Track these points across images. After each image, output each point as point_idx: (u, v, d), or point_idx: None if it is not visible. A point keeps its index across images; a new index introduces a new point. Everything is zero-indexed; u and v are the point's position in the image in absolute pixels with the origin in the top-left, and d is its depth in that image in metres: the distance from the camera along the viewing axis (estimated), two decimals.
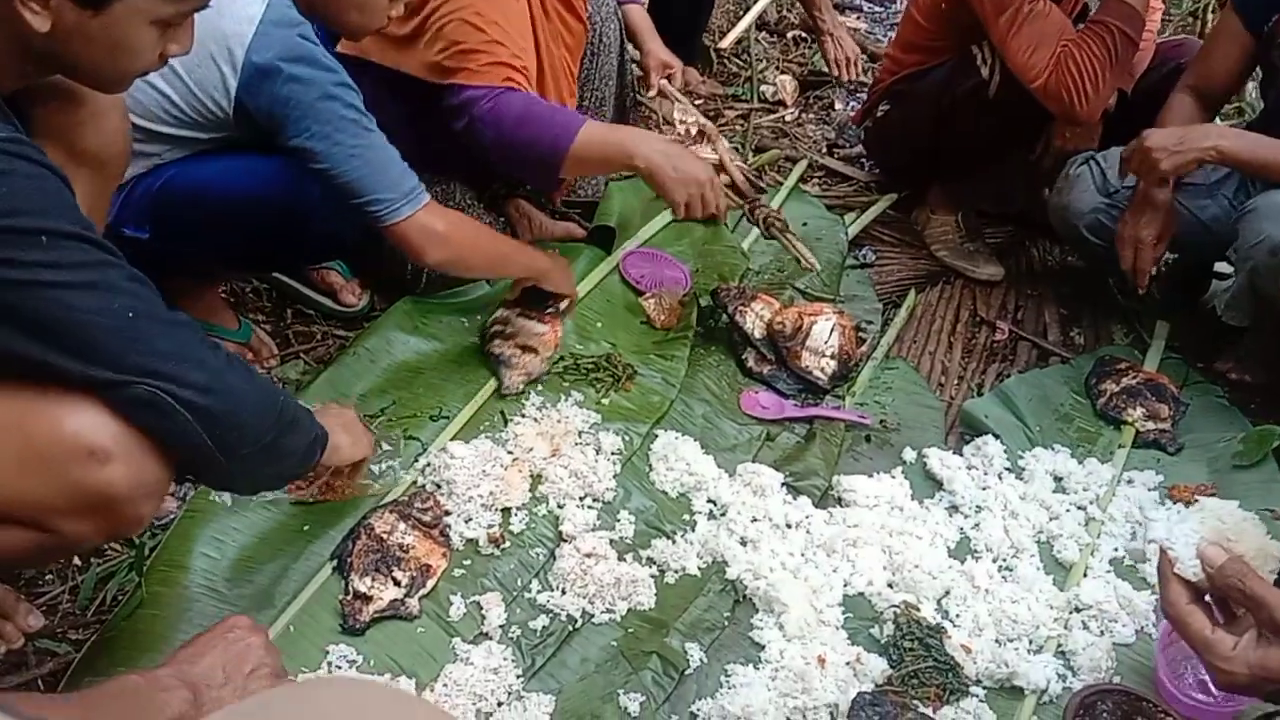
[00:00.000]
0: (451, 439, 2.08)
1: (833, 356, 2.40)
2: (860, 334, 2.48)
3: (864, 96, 3.69)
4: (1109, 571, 2.05)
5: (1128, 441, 2.36)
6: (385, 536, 1.85)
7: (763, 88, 3.75)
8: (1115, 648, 1.89)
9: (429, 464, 2.02)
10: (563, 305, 2.28)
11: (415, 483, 2.00)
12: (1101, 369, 2.52)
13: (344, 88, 1.81)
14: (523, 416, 2.17)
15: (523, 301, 2.27)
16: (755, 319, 2.42)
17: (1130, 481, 2.26)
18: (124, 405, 1.29)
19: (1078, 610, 1.97)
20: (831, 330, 2.41)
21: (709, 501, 2.10)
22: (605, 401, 2.25)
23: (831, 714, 1.74)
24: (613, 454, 2.13)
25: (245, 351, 2.22)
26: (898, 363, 2.53)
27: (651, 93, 2.71)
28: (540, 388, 2.24)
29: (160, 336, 1.30)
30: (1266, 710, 1.48)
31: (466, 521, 1.94)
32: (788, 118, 3.67)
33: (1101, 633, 1.93)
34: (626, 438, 2.16)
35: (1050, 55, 2.48)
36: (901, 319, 2.63)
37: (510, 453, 2.09)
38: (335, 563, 1.83)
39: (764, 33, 4.12)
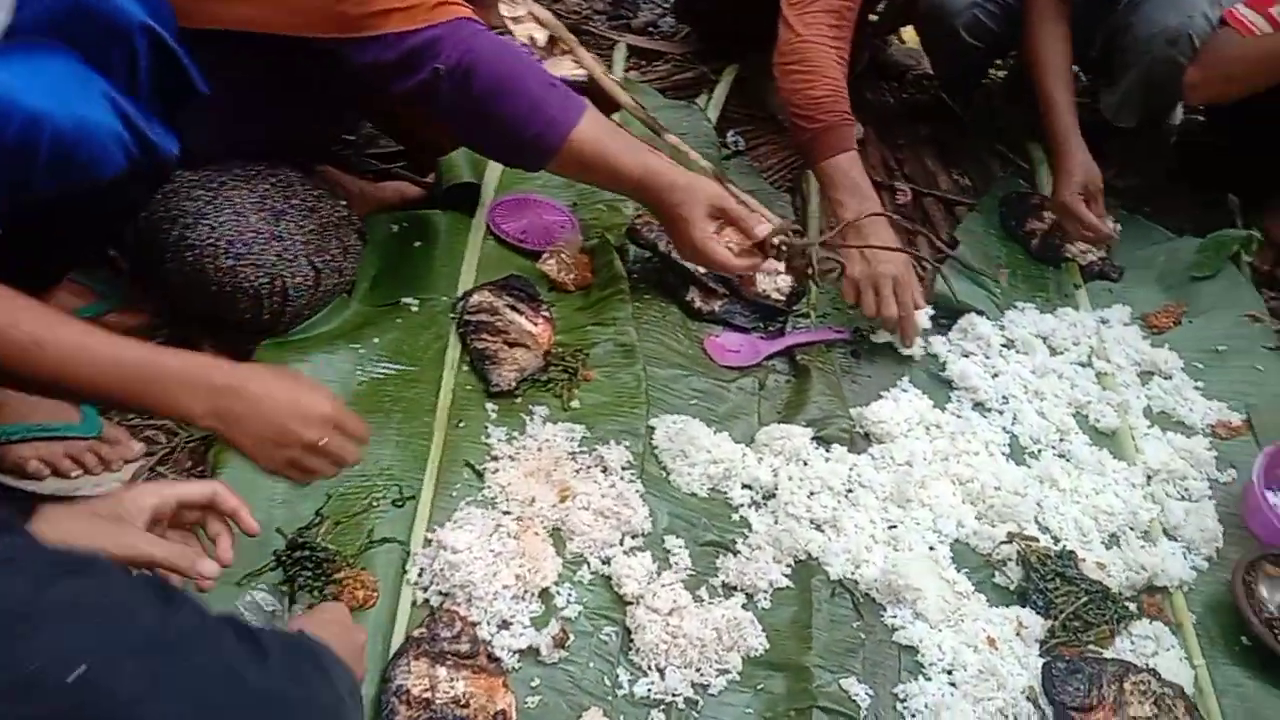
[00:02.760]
0: (428, 525, 1.52)
1: (785, 271, 2.04)
2: (798, 235, 2.13)
3: None
4: (1151, 426, 1.93)
5: (1077, 278, 2.24)
6: (429, 696, 1.31)
7: None
8: (1209, 505, 1.78)
9: (423, 571, 1.46)
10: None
11: (421, 602, 1.44)
12: (1015, 208, 2.36)
13: None
14: (494, 460, 1.64)
15: (510, 289, 1.84)
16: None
17: (1106, 322, 2.14)
18: None
19: (1149, 479, 1.83)
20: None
21: (745, 488, 1.72)
22: (575, 404, 1.76)
23: (1030, 699, 1.47)
24: (624, 469, 1.67)
25: (100, 446, 1.49)
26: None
27: None
28: (495, 416, 1.71)
29: None
30: None
31: (505, 628, 1.43)
32: None
33: (1184, 496, 1.81)
34: (628, 441, 1.70)
35: None
36: (816, 207, 2.30)
37: (508, 513, 1.57)
38: None
39: None
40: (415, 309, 1.84)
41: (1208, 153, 2.48)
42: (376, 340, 1.75)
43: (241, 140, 1.54)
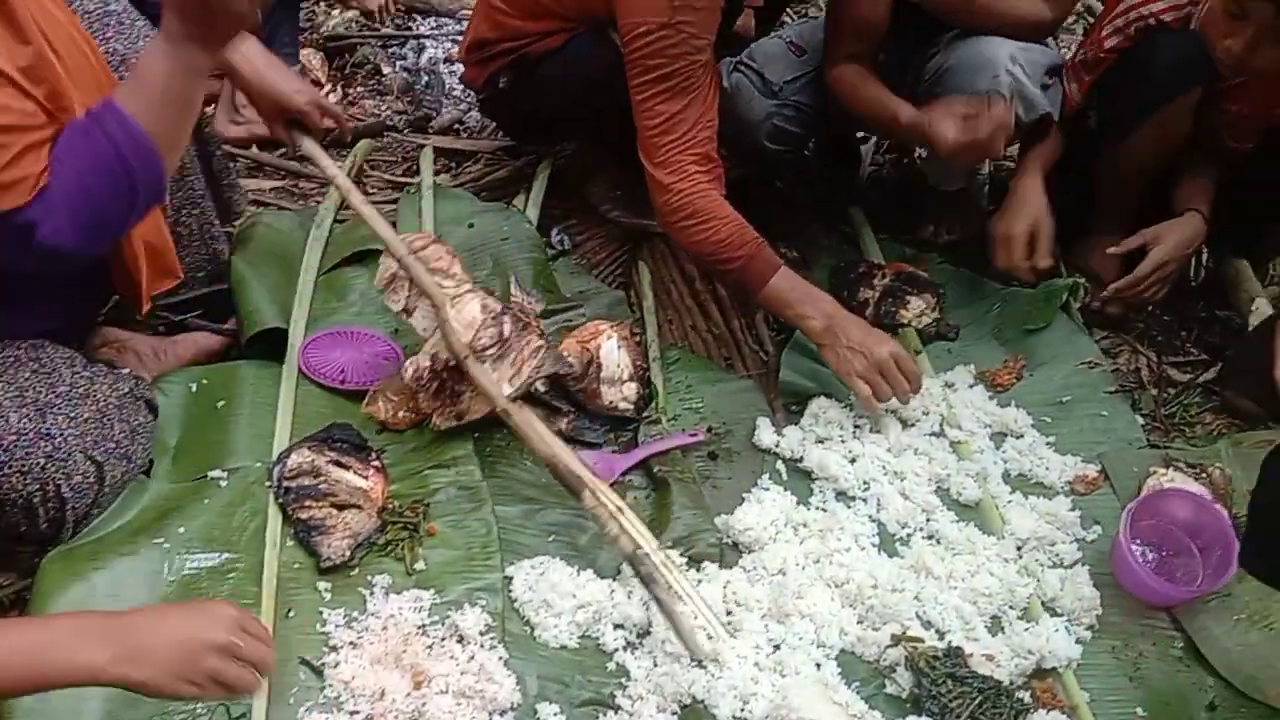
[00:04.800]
0: None
1: (630, 378, 1.95)
2: (638, 339, 2.04)
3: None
4: (1013, 493, 1.90)
5: (917, 343, 2.22)
6: None
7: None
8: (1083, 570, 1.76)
9: None
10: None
11: None
12: (845, 279, 2.34)
13: None
14: (334, 651, 1.46)
15: (332, 442, 1.67)
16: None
17: (952, 385, 2.12)
18: None
19: (1019, 550, 1.80)
20: (619, 348, 1.94)
21: (617, 628, 1.60)
22: (420, 566, 1.60)
23: None
24: (483, 634, 1.52)
25: None
26: (674, 352, 2.13)
27: (303, 147, 1.82)
28: (329, 596, 1.53)
29: None
30: None
31: None
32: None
33: (1056, 563, 1.78)
34: (484, 599, 1.55)
35: None
36: (650, 302, 2.21)
37: (356, 712, 1.39)
38: None
39: None
40: (224, 483, 1.65)
41: None
42: (183, 529, 1.55)
43: None
